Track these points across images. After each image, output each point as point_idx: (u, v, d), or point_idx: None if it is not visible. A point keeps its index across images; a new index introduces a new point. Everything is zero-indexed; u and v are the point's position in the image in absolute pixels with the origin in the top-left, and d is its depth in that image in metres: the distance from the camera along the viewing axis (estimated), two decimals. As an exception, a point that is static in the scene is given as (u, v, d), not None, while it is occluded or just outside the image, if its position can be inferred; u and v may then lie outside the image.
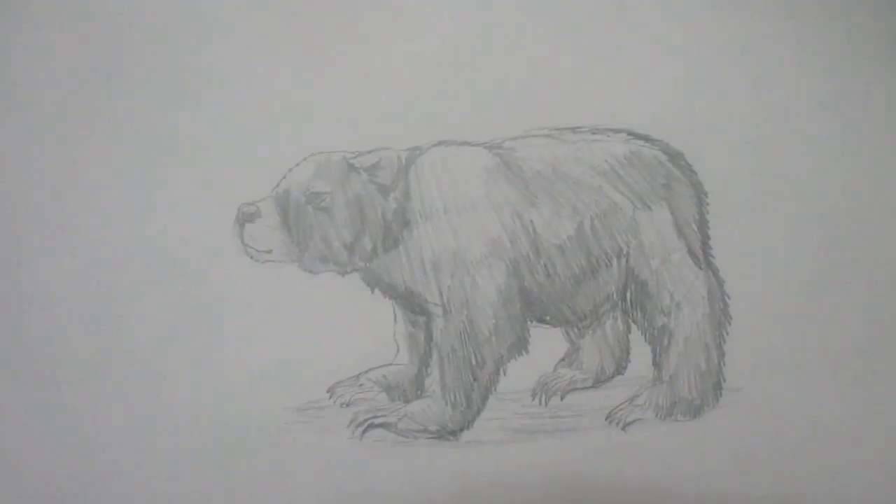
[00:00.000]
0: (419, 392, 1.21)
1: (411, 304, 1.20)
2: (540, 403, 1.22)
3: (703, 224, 1.21)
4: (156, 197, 1.22)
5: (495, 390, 1.18)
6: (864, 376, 1.21)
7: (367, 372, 1.21)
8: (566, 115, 1.22)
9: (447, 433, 1.19)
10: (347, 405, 1.20)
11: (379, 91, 1.22)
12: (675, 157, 1.22)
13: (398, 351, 1.22)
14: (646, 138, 1.23)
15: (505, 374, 1.19)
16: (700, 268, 1.20)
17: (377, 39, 1.23)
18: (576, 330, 1.24)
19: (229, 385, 1.20)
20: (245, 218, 1.16)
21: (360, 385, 1.21)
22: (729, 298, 1.21)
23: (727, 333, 1.21)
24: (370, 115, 1.22)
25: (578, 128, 1.22)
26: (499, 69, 1.23)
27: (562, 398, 1.22)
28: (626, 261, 1.19)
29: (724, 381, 1.20)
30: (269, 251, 1.17)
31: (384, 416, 1.19)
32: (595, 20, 1.24)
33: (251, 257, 1.17)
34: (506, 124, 1.21)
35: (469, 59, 1.23)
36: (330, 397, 1.20)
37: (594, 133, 1.22)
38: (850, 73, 1.23)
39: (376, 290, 1.21)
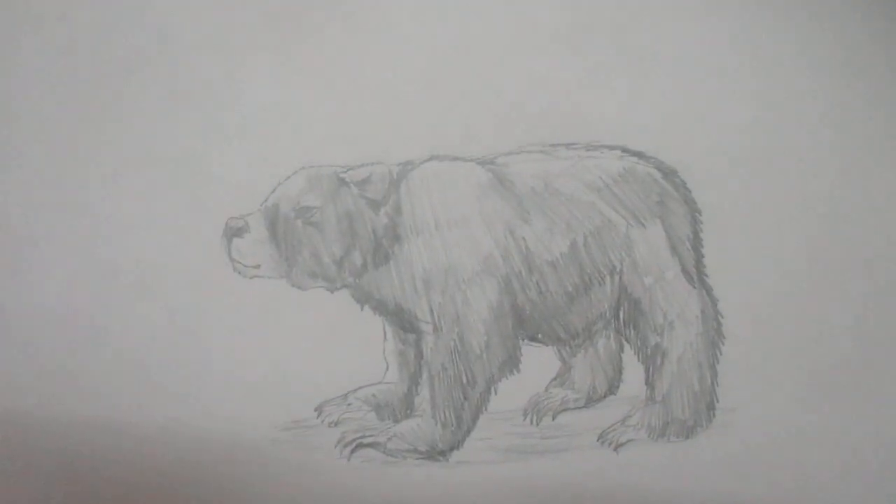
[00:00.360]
0: (409, 411, 1.21)
1: (401, 321, 1.19)
2: (531, 423, 1.21)
3: (696, 242, 1.20)
4: (143, 209, 1.21)
5: (486, 410, 1.17)
6: (860, 396, 1.20)
7: (355, 390, 1.20)
8: (560, 131, 1.22)
9: (437, 453, 1.18)
10: (335, 424, 1.19)
11: (370, 104, 1.22)
12: (669, 174, 1.21)
13: (388, 369, 1.21)
14: (640, 155, 1.22)
15: (496, 394, 1.18)
16: (694, 286, 1.19)
17: (369, 52, 1.23)
18: (568, 348, 1.23)
19: (215, 402, 1.19)
20: (233, 232, 1.15)
21: (349, 404, 1.20)
22: (722, 317, 1.20)
23: (721, 353, 1.21)
24: (361, 129, 1.21)
25: (572, 144, 1.22)
26: (492, 83, 1.23)
27: (553, 418, 1.22)
28: (620, 278, 1.18)
29: (718, 401, 1.20)
30: (257, 266, 1.16)
31: (373, 435, 1.18)
32: (590, 35, 1.24)
33: (239, 272, 1.16)
34: (499, 139, 1.21)
35: (462, 72, 1.23)
36: (318, 416, 1.20)
37: (588, 149, 1.22)
38: (848, 89, 1.23)
39: (366, 307, 1.20)
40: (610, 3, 1.23)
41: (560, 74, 1.23)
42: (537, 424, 1.21)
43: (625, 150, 1.22)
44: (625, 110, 1.22)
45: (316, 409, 1.20)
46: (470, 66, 1.22)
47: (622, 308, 1.19)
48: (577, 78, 1.22)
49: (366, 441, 1.17)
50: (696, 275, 1.20)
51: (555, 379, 1.23)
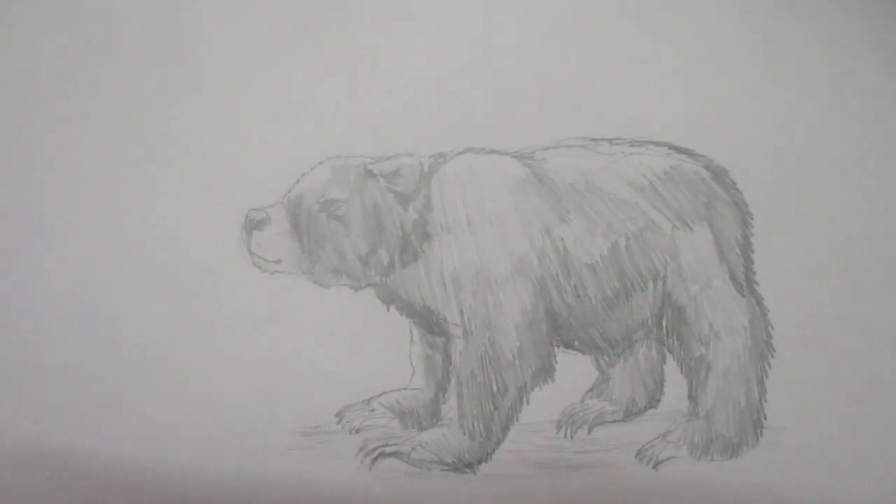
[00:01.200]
0: (435, 420, 1.18)
1: (429, 324, 1.16)
2: (565, 436, 1.18)
3: (746, 247, 1.17)
4: (158, 199, 1.19)
5: (517, 420, 1.14)
6: None
7: (379, 396, 1.18)
8: (601, 125, 1.18)
9: (464, 465, 1.14)
10: (357, 431, 1.17)
11: (402, 92, 1.19)
12: (718, 173, 1.17)
13: (413, 374, 1.18)
14: (688, 153, 1.18)
15: (528, 403, 1.14)
16: (742, 295, 1.15)
17: (401, 36, 1.19)
18: (606, 358, 1.20)
19: (229, 405, 1.17)
20: (253, 225, 1.12)
21: (372, 410, 1.17)
22: (773, 329, 1.17)
23: (770, 367, 1.17)
24: (391, 118, 1.18)
25: (616, 139, 1.18)
26: (531, 73, 1.19)
27: (589, 431, 1.19)
28: (663, 284, 1.14)
29: (766, 418, 1.16)
30: (278, 261, 1.13)
31: (396, 444, 1.14)
32: (637, 25, 1.20)
33: (258, 267, 1.14)
34: (537, 132, 1.17)
35: (499, 61, 1.19)
36: (339, 422, 1.17)
37: (633, 145, 1.18)
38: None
39: (392, 307, 1.17)
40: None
41: (603, 65, 1.19)
42: (571, 437, 1.18)
43: (672, 146, 1.18)
44: (670, 105, 1.18)
45: (337, 415, 1.17)
46: (506, 54, 1.19)
47: (665, 316, 1.15)
48: (621, 69, 1.19)
49: (388, 450, 1.14)
50: (746, 282, 1.16)
51: (591, 390, 1.21)
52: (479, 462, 1.14)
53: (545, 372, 1.13)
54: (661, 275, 1.14)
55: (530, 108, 1.18)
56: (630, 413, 1.20)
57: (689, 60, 1.19)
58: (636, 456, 1.16)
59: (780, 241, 1.17)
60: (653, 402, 1.20)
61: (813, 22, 1.19)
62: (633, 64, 1.19)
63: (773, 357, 1.16)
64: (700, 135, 1.17)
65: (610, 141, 1.18)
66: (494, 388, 1.12)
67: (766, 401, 1.15)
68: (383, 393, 1.17)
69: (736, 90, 1.19)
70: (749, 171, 1.17)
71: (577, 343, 1.16)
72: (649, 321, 1.16)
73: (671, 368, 1.18)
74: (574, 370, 1.16)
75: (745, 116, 1.19)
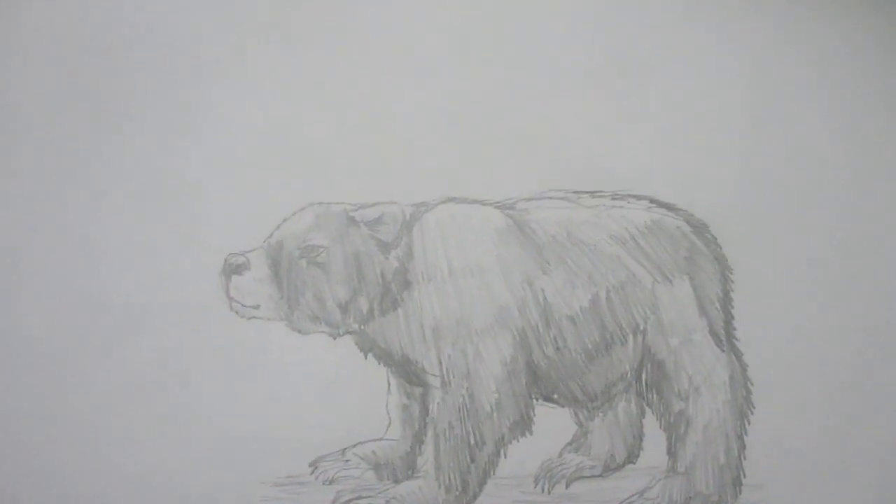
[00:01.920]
0: (410, 471, 1.16)
1: (407, 374, 1.14)
2: (543, 491, 1.17)
3: (726, 302, 1.17)
4: (135, 240, 1.17)
5: (494, 474, 1.12)
6: None
7: (354, 446, 1.16)
8: (584, 177, 1.18)
9: None
10: (331, 482, 1.15)
11: (385, 140, 1.19)
12: (699, 228, 1.18)
13: (390, 424, 1.17)
14: (669, 207, 1.19)
15: (506, 457, 1.12)
16: (722, 350, 1.15)
17: (386, 85, 1.20)
18: (585, 411, 1.19)
19: (202, 452, 1.15)
20: (232, 269, 1.11)
21: (347, 460, 1.16)
22: (752, 385, 1.16)
23: (749, 423, 1.16)
24: (375, 166, 1.18)
25: (597, 192, 1.18)
26: (515, 124, 1.19)
27: (567, 486, 1.17)
28: (643, 338, 1.14)
29: (745, 475, 1.15)
30: (257, 307, 1.11)
31: (370, 497, 1.12)
32: (621, 77, 1.21)
33: (236, 312, 1.12)
34: (520, 183, 1.17)
35: (483, 111, 1.20)
36: (312, 472, 1.15)
37: (614, 198, 1.18)
38: (886, 144, 1.20)
39: (370, 356, 1.16)
40: (638, 46, 1.20)
41: (586, 116, 1.20)
42: (549, 492, 1.16)
43: (653, 200, 1.19)
44: (653, 159, 1.19)
45: (310, 465, 1.16)
46: (492, 105, 1.19)
47: (645, 370, 1.15)
48: (605, 123, 1.19)
49: (362, 503, 1.12)
50: (726, 337, 1.16)
51: (570, 444, 1.20)
52: (455, 516, 1.12)
53: (523, 425, 1.12)
54: (642, 328, 1.14)
55: (513, 159, 1.18)
56: (608, 468, 1.18)
57: (672, 116, 1.20)
58: (615, 512, 1.14)
59: (759, 297, 1.17)
60: (632, 457, 1.19)
61: (798, 78, 1.20)
62: (616, 118, 1.19)
63: (752, 413, 1.16)
64: (681, 189, 1.18)
65: (591, 194, 1.18)
66: (472, 441, 1.10)
67: (745, 458, 1.14)
68: (359, 443, 1.16)
69: (717, 146, 1.20)
70: (730, 227, 1.17)
71: (556, 396, 1.15)
72: (629, 375, 1.15)
73: (650, 423, 1.17)
74: (552, 423, 1.15)
75: (726, 172, 1.19)
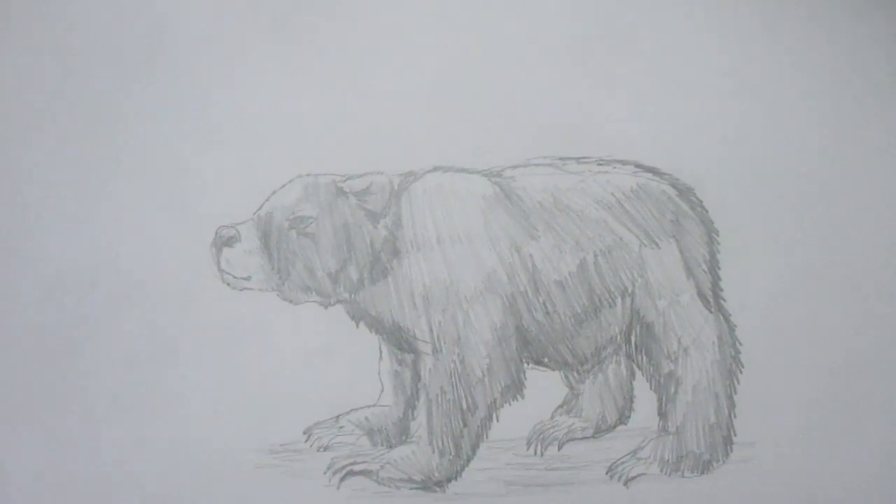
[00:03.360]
0: (404, 437, 1.16)
1: (398, 341, 1.14)
2: (535, 453, 1.17)
3: (713, 264, 1.17)
4: (127, 214, 1.17)
5: (487, 437, 1.13)
6: (891, 431, 1.15)
7: (347, 413, 1.16)
8: (570, 144, 1.18)
9: (433, 484, 1.12)
10: (325, 449, 1.15)
11: (372, 111, 1.19)
12: (684, 191, 1.18)
13: (382, 391, 1.17)
14: (654, 171, 1.18)
15: (498, 420, 1.13)
16: (710, 311, 1.15)
17: (372, 56, 1.20)
18: (576, 374, 1.19)
19: (195, 421, 1.15)
20: (223, 241, 1.11)
21: (340, 427, 1.16)
22: (741, 345, 1.16)
23: (738, 382, 1.16)
24: (362, 136, 1.18)
25: (583, 158, 1.19)
26: (500, 92, 1.19)
27: (559, 448, 1.17)
28: (632, 301, 1.14)
29: (735, 434, 1.15)
30: (248, 278, 1.12)
31: (365, 462, 1.12)
32: (604, 45, 1.21)
33: (228, 284, 1.12)
34: (506, 151, 1.18)
35: (469, 80, 1.20)
36: (306, 439, 1.15)
37: (600, 164, 1.18)
38: (868, 98, 1.20)
39: (361, 324, 1.16)
40: (621, 13, 1.20)
41: (572, 85, 1.20)
42: (542, 455, 1.16)
43: (638, 165, 1.19)
44: (639, 124, 1.19)
45: (305, 432, 1.15)
46: (477, 74, 1.19)
47: (634, 332, 1.15)
48: (590, 89, 1.19)
49: (357, 468, 1.12)
50: (713, 298, 1.16)
51: (561, 406, 1.20)
52: (449, 480, 1.12)
53: (515, 389, 1.12)
54: (630, 291, 1.14)
55: (499, 126, 1.18)
56: (600, 430, 1.18)
57: (656, 81, 1.20)
58: (606, 473, 1.14)
59: (746, 258, 1.17)
60: (623, 418, 1.19)
61: (778, 42, 1.20)
62: (601, 83, 1.19)
63: (741, 373, 1.16)
64: (666, 153, 1.18)
65: (577, 160, 1.18)
66: (464, 406, 1.11)
67: (735, 416, 1.15)
68: (352, 410, 1.16)
69: (701, 110, 1.20)
70: (715, 189, 1.17)
71: (546, 359, 1.15)
72: (618, 337, 1.15)
73: (641, 385, 1.17)
74: (543, 387, 1.15)
75: (710, 135, 1.19)
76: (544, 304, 1.12)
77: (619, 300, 1.14)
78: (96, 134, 1.18)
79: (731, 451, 1.15)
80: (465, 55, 1.20)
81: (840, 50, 1.21)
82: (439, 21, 1.20)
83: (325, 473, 1.13)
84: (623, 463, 1.15)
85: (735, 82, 1.20)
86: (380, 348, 1.17)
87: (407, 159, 1.16)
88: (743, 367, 1.16)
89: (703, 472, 1.14)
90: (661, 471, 1.14)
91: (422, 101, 1.19)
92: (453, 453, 1.11)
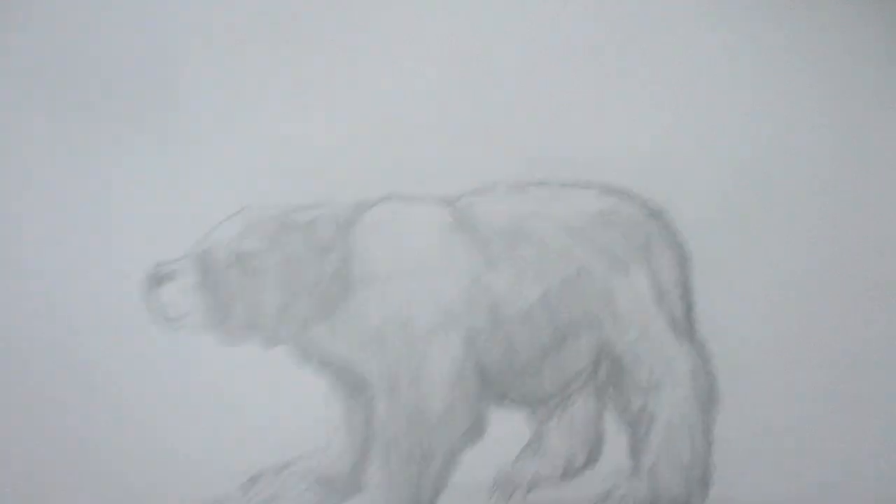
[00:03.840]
0: (357, 487, 1.11)
1: (350, 382, 1.11)
2: (500, 501, 1.12)
3: (686, 291, 1.13)
4: (57, 252, 1.15)
5: (447, 485, 1.07)
6: (879, 463, 1.12)
7: (293, 462, 1.11)
8: (533, 166, 1.15)
9: None
10: None
11: (320, 137, 1.16)
12: (655, 214, 1.14)
13: (333, 437, 1.12)
14: (623, 193, 1.15)
15: (458, 466, 1.08)
16: (683, 341, 1.11)
17: (317, 80, 1.17)
18: (542, 411, 1.14)
19: (121, 472, 1.11)
20: (158, 279, 1.07)
21: (286, 478, 1.11)
22: (717, 376, 1.12)
23: (715, 417, 1.12)
24: (310, 165, 1.15)
25: (545, 181, 1.15)
26: (457, 112, 1.17)
27: (525, 495, 1.13)
28: (599, 332, 1.10)
29: (714, 472, 1.11)
30: (185, 317, 1.08)
31: None
32: (567, 63, 1.18)
33: (163, 323, 1.07)
34: (464, 176, 1.14)
35: (420, 102, 1.17)
36: (244, 494, 1.10)
37: (563, 187, 1.14)
38: (846, 126, 1.18)
39: (308, 364, 1.11)
40: (587, 31, 1.18)
41: (536, 105, 1.17)
42: (506, 503, 1.12)
43: (606, 187, 1.15)
44: (608, 145, 1.16)
45: (246, 483, 1.11)
46: (428, 94, 1.17)
47: (602, 365, 1.11)
48: (555, 108, 1.17)
49: (305, 526, 1.07)
50: (686, 328, 1.12)
51: (527, 446, 1.15)
52: (408, 532, 1.08)
53: (476, 430, 1.08)
54: (596, 322, 1.10)
55: (456, 151, 1.15)
56: (568, 473, 1.14)
57: (629, 100, 1.17)
58: (576, 519, 1.10)
59: (720, 285, 1.14)
60: (592, 458, 1.14)
61: (762, 62, 1.18)
62: (572, 105, 1.17)
63: (718, 406, 1.11)
64: (638, 174, 1.15)
65: (539, 184, 1.15)
66: (422, 452, 1.06)
67: (712, 454, 1.10)
68: (298, 458, 1.12)
69: (674, 129, 1.17)
70: (687, 212, 1.14)
71: (509, 397, 1.10)
72: (586, 371, 1.11)
73: (611, 425, 1.13)
74: (507, 427, 1.11)
75: (682, 155, 1.16)
76: (505, 337, 1.08)
77: (585, 332, 1.10)
78: (32, 170, 1.16)
79: (709, 493, 1.10)
80: (417, 81, 1.17)
81: (826, 71, 1.18)
82: (392, 47, 1.17)
83: (270, 531, 1.09)
84: (594, 508, 1.10)
85: (708, 103, 1.17)
86: (328, 391, 1.12)
87: (357, 188, 1.12)
88: (719, 399, 1.12)
89: (679, 516, 1.10)
90: (635, 515, 1.09)
91: (371, 125, 1.16)
92: None
